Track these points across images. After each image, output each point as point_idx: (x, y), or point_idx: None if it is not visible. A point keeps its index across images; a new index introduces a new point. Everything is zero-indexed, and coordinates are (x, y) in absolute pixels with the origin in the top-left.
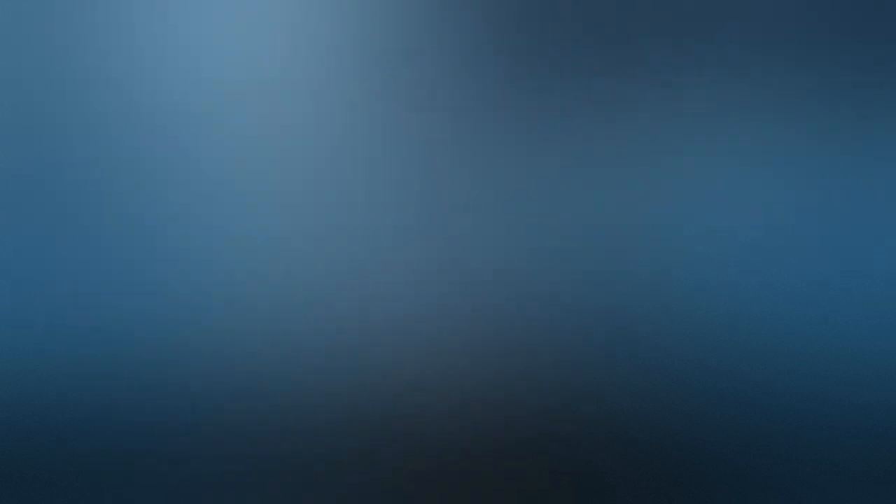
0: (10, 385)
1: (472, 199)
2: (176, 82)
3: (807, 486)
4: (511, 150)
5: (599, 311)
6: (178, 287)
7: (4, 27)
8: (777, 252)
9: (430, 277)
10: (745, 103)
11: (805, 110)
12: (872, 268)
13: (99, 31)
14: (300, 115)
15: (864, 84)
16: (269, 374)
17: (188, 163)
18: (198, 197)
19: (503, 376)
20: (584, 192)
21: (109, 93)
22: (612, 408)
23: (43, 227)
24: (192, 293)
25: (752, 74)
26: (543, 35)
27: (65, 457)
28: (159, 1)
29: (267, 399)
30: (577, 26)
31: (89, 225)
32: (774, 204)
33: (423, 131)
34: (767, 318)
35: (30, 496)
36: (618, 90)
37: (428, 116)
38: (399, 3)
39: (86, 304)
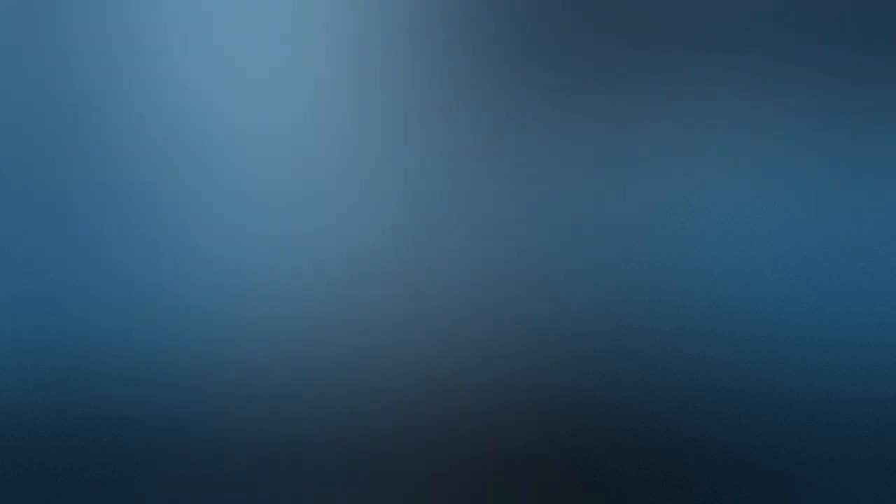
0: (9, 384)
1: (475, 199)
2: (174, 83)
3: (812, 486)
4: (513, 150)
5: (601, 310)
6: (178, 287)
7: (5, 26)
8: (780, 251)
9: (432, 277)
10: (746, 103)
11: (806, 111)
12: (876, 265)
13: (98, 31)
14: (306, 118)
15: (866, 84)
16: (269, 374)
17: (187, 162)
18: (196, 195)
19: (505, 375)
20: (586, 191)
21: (108, 93)
22: (616, 406)
23: (43, 226)
24: (191, 293)
25: (754, 74)
26: (546, 36)
27: (62, 455)
28: (159, 1)
29: (268, 398)
30: (580, 27)
31: (90, 224)
32: (776, 204)
33: (428, 134)
34: (771, 316)
35: (29, 493)
36: (620, 89)
37: (432, 119)
38: (405, 6)
39: (86, 303)
